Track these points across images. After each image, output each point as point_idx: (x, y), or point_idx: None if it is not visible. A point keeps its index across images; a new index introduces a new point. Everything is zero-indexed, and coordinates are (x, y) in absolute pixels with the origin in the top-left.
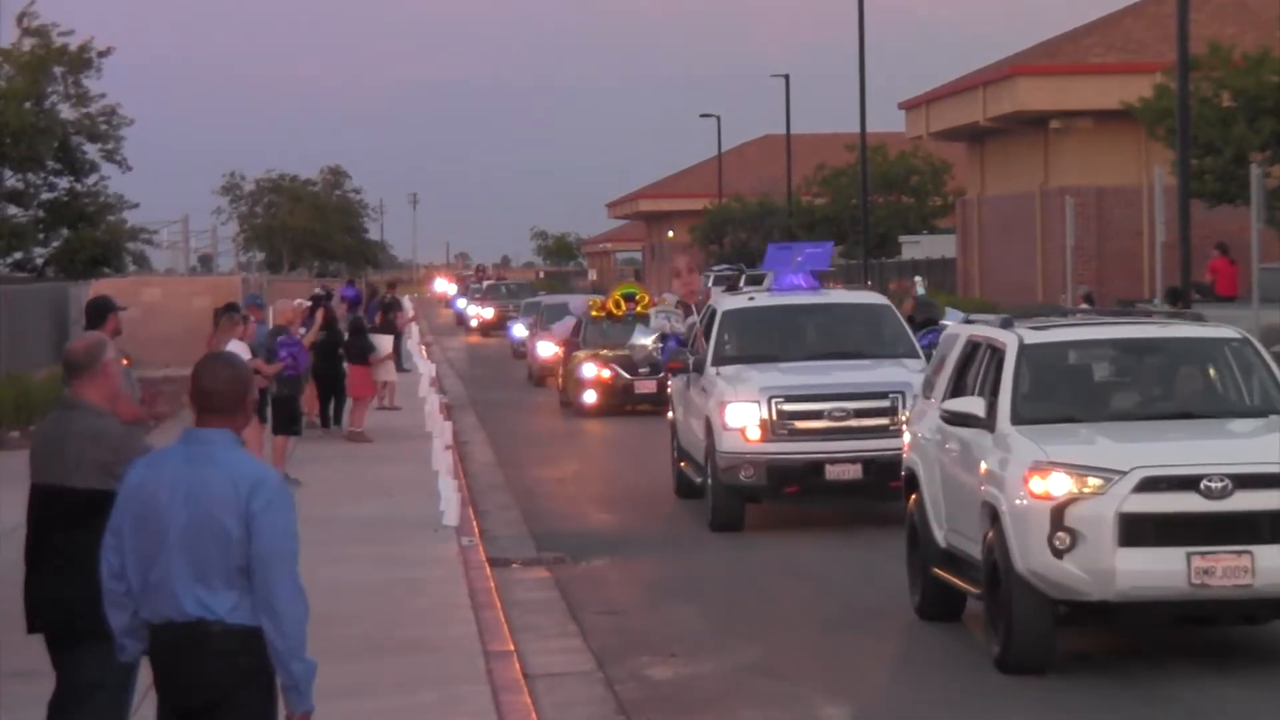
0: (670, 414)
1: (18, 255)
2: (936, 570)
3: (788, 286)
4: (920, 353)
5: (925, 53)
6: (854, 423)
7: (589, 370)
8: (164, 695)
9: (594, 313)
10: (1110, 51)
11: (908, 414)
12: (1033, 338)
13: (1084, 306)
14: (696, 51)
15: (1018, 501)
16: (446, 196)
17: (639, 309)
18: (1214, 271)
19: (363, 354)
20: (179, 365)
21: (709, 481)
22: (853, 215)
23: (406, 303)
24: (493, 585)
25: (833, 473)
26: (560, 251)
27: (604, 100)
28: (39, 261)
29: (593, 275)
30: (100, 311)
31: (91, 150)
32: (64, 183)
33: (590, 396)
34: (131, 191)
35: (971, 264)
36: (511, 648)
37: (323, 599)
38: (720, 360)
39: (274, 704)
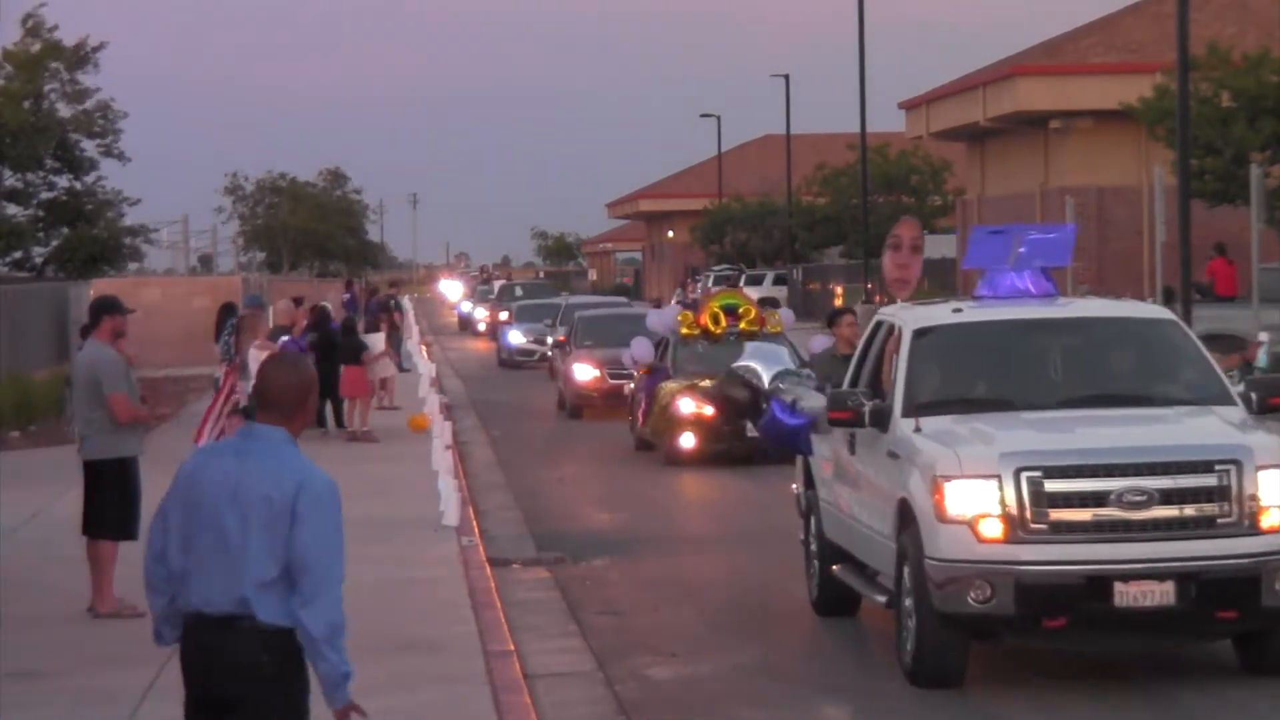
0: (800, 485)
1: (17, 254)
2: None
3: (1009, 291)
4: (1236, 398)
5: (925, 53)
6: (1161, 512)
7: (687, 406)
8: (190, 686)
9: (685, 330)
10: (1110, 51)
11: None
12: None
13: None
14: (696, 51)
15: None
16: (446, 196)
17: (743, 325)
18: (1212, 273)
19: (355, 354)
20: (179, 365)
21: (906, 605)
22: (853, 215)
23: (406, 303)
24: (493, 585)
25: (1126, 594)
26: (560, 251)
27: (604, 100)
28: (38, 260)
29: (593, 275)
30: (96, 312)
31: (90, 147)
32: (63, 181)
33: (688, 440)
34: (131, 191)
35: None
36: (511, 648)
37: None
38: (917, 408)
39: (300, 705)
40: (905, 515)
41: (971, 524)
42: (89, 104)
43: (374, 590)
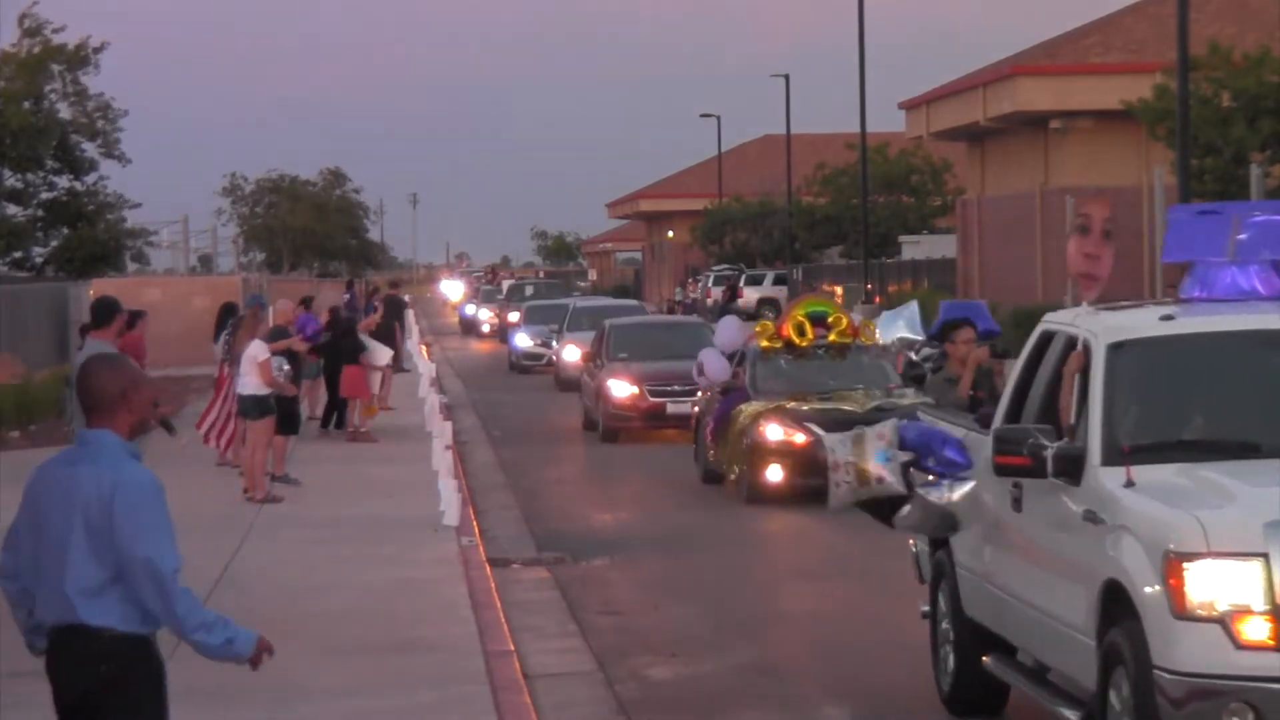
0: (922, 542)
1: (17, 254)
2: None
3: (1230, 292)
4: None
5: (925, 53)
6: None
7: (774, 432)
8: (54, 696)
9: (765, 343)
10: (1110, 51)
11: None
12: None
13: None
14: (696, 51)
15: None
16: (446, 196)
17: (834, 336)
18: None
19: (354, 354)
20: (179, 365)
21: None
22: (853, 215)
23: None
24: (493, 585)
25: None
26: (560, 251)
27: (604, 100)
28: (38, 260)
29: (593, 275)
30: (106, 312)
31: (90, 148)
32: (63, 181)
33: (775, 473)
34: (132, 192)
35: (971, 264)
36: (511, 648)
37: (323, 599)
38: (1125, 453)
39: (151, 712)
40: (1116, 604)
41: (1226, 621)
42: (89, 104)
43: (374, 590)
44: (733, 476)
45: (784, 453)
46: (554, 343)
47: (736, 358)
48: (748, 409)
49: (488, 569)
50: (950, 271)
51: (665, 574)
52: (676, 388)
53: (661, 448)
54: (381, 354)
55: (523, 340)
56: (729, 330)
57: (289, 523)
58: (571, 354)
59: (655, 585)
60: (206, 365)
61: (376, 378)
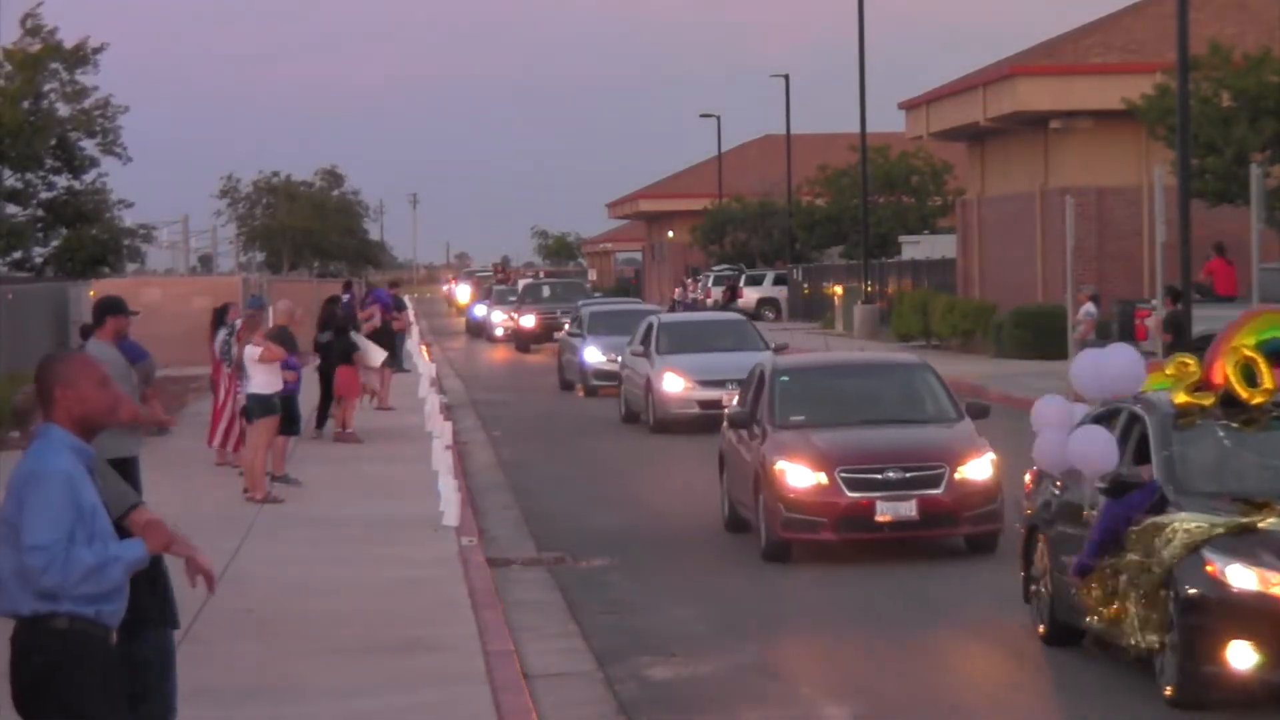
0: None
1: (17, 254)
2: None
3: None
4: None
5: (925, 53)
6: None
7: (1242, 578)
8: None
9: (1182, 398)
10: (1110, 51)
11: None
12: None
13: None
14: (696, 51)
15: None
16: (446, 196)
17: None
18: (1210, 272)
19: (347, 354)
20: (179, 365)
21: None
22: (853, 215)
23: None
24: (493, 585)
25: None
26: (560, 251)
27: (604, 100)
28: (38, 260)
29: (593, 275)
30: (100, 312)
31: (89, 146)
32: (62, 181)
33: (1243, 655)
34: (130, 192)
35: (971, 264)
36: (511, 648)
37: (323, 599)
38: None
39: (75, 704)
40: None
41: None
42: (88, 102)
43: (374, 590)
44: (1137, 645)
45: (1264, 616)
46: (621, 358)
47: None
48: (1175, 526)
49: (488, 569)
50: (950, 271)
51: (665, 574)
52: (892, 475)
53: (664, 447)
54: (375, 354)
55: (594, 355)
56: (1092, 370)
57: (289, 523)
58: (672, 383)
59: (655, 585)
60: (206, 365)
61: (373, 377)
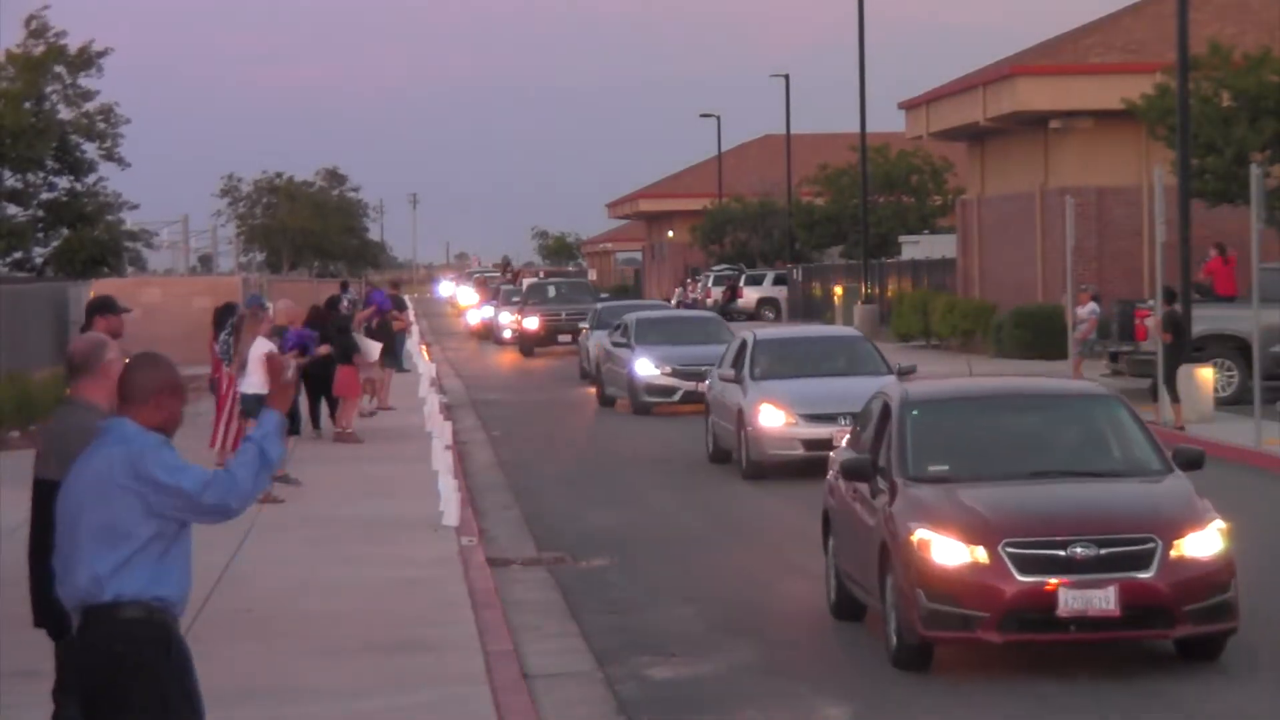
0: None
1: (17, 254)
2: None
3: None
4: None
5: (925, 53)
6: None
7: None
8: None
9: None
10: (1110, 51)
11: None
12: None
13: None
14: (696, 51)
15: None
16: (446, 196)
17: None
18: (1209, 272)
19: (347, 354)
20: (179, 365)
21: None
22: (853, 215)
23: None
24: (493, 585)
25: None
26: (560, 251)
27: (604, 100)
28: (38, 261)
29: (592, 275)
30: (89, 313)
31: (90, 149)
32: (63, 182)
33: None
34: (130, 192)
35: (971, 264)
36: (511, 648)
37: (323, 599)
38: None
39: (162, 696)
40: None
41: None
42: (90, 106)
43: (374, 590)
44: None
45: None
46: (709, 383)
47: None
48: None
49: (488, 569)
50: (950, 271)
51: (665, 574)
52: (1081, 551)
53: (664, 444)
54: (372, 349)
55: (645, 367)
56: None
57: (289, 522)
58: (771, 417)
59: (655, 585)
60: (206, 365)
61: (374, 372)
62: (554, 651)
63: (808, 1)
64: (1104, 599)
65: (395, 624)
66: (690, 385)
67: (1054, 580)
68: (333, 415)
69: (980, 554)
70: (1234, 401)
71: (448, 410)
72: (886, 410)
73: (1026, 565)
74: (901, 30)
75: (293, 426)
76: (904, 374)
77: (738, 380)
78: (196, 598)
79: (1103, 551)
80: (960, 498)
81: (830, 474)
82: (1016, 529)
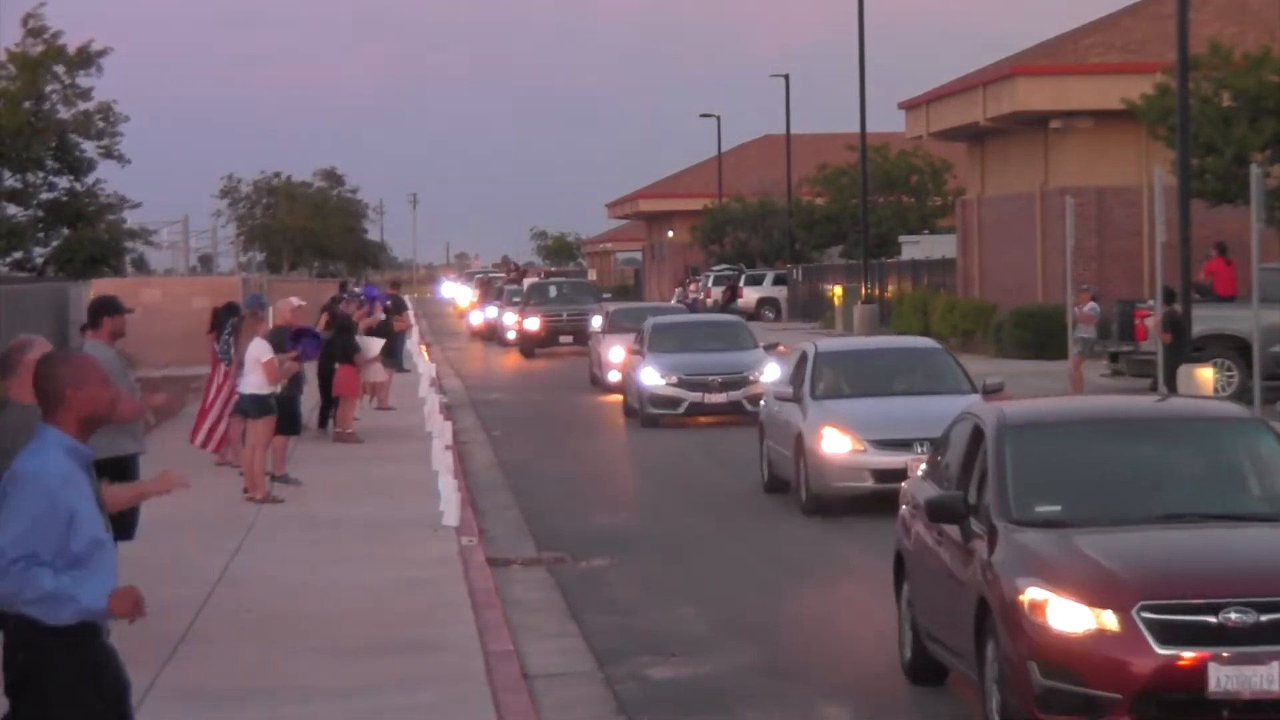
0: None
1: (17, 254)
2: None
3: None
4: None
5: (925, 53)
6: None
7: None
8: None
9: None
10: (1110, 51)
11: None
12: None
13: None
14: (696, 51)
15: None
16: (446, 196)
17: None
18: (1210, 272)
19: (347, 353)
20: (179, 365)
21: None
22: (853, 215)
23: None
24: (493, 585)
25: None
26: (560, 251)
27: (604, 100)
28: (38, 261)
29: (592, 275)
30: (95, 313)
31: (90, 149)
32: (63, 182)
33: None
34: (130, 192)
35: (971, 264)
36: (511, 648)
37: (323, 599)
38: None
39: (73, 705)
40: None
41: None
42: (89, 105)
43: (374, 590)
44: None
45: None
46: (764, 404)
47: None
48: None
49: (488, 569)
50: (950, 271)
51: (665, 574)
52: (1236, 617)
53: (664, 448)
54: (373, 346)
55: (651, 376)
56: None
57: (289, 523)
58: (834, 443)
59: (655, 585)
60: (206, 365)
61: (375, 370)
62: (554, 651)
63: (808, 1)
64: (1265, 677)
65: (395, 624)
66: (696, 396)
67: (1202, 653)
68: (334, 415)
69: (1109, 620)
70: (1234, 401)
71: (448, 410)
72: (977, 436)
73: (1168, 634)
74: (901, 30)
75: (293, 427)
76: (991, 392)
77: (796, 399)
78: (197, 598)
79: (1263, 618)
80: (1079, 547)
81: (904, 510)
82: (1155, 589)
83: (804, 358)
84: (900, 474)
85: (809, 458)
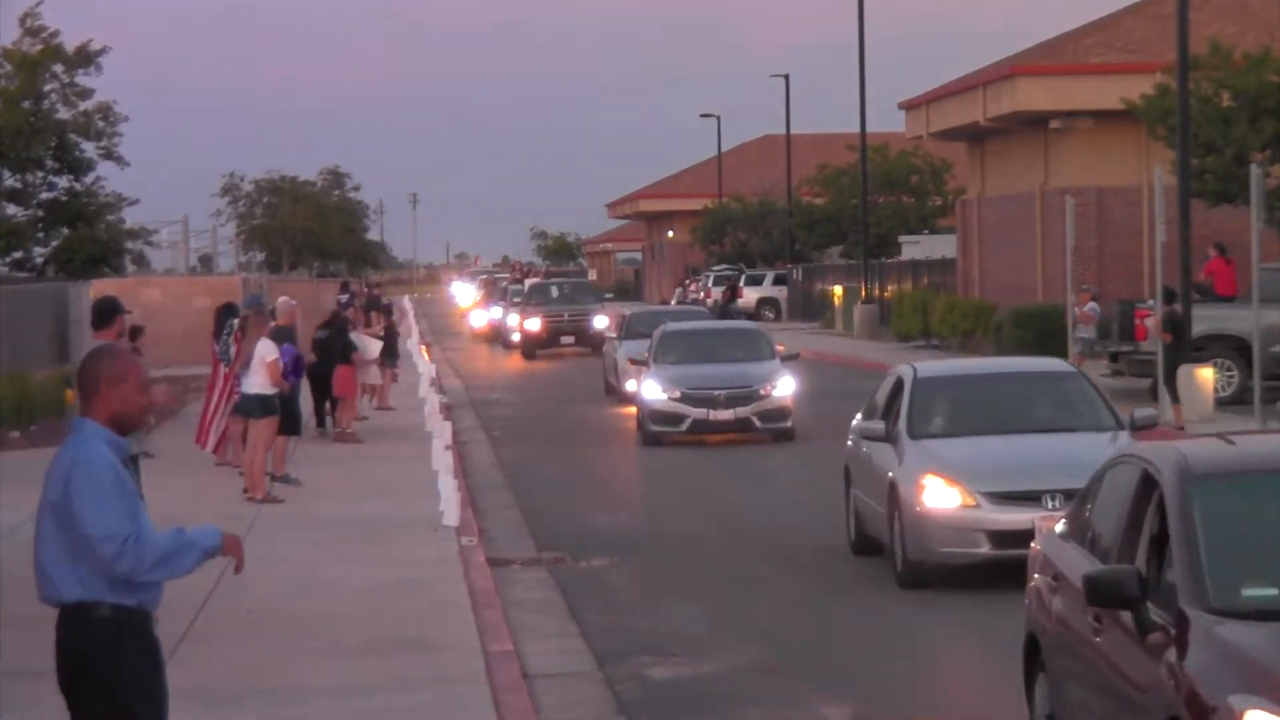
0: None
1: (17, 254)
2: None
3: None
4: None
5: (925, 53)
6: None
7: None
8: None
9: None
10: (1110, 51)
11: None
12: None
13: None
14: (696, 51)
15: None
16: (446, 196)
17: None
18: (1210, 272)
19: (345, 354)
20: (179, 365)
21: None
22: (853, 215)
23: (406, 304)
24: (493, 585)
25: None
26: (560, 251)
27: (604, 100)
28: (38, 260)
29: (592, 275)
30: (108, 313)
31: (89, 149)
32: (63, 182)
33: None
34: (130, 192)
35: (971, 264)
36: (511, 648)
37: (323, 599)
38: None
39: (120, 693)
40: None
41: None
42: (89, 105)
43: (374, 590)
44: None
45: None
46: (850, 442)
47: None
48: None
49: (488, 569)
50: (950, 271)
51: (665, 574)
52: None
53: (667, 451)
54: (372, 347)
55: (652, 390)
56: None
57: (289, 523)
58: (939, 495)
59: (655, 585)
60: (206, 365)
61: (372, 373)
62: (554, 651)
63: (808, 1)
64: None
65: (395, 624)
66: (700, 413)
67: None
68: (334, 415)
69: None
70: (1234, 401)
71: (448, 410)
72: (1147, 488)
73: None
74: (901, 30)
75: (293, 427)
76: (1141, 428)
77: (889, 439)
78: (197, 598)
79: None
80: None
81: (1038, 580)
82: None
83: (899, 384)
84: (1025, 536)
85: (905, 514)
